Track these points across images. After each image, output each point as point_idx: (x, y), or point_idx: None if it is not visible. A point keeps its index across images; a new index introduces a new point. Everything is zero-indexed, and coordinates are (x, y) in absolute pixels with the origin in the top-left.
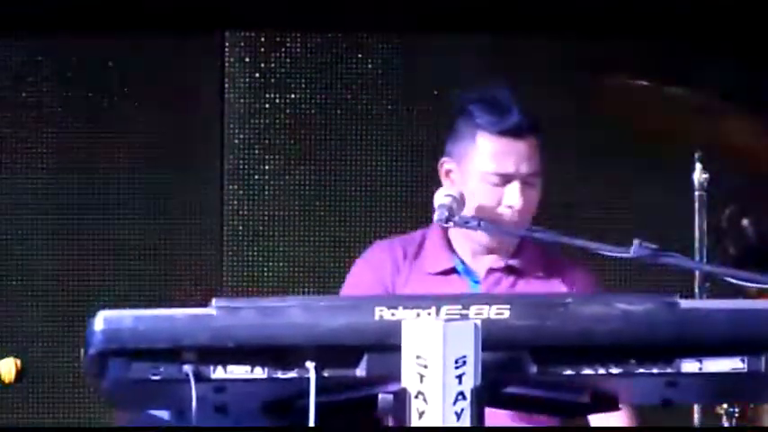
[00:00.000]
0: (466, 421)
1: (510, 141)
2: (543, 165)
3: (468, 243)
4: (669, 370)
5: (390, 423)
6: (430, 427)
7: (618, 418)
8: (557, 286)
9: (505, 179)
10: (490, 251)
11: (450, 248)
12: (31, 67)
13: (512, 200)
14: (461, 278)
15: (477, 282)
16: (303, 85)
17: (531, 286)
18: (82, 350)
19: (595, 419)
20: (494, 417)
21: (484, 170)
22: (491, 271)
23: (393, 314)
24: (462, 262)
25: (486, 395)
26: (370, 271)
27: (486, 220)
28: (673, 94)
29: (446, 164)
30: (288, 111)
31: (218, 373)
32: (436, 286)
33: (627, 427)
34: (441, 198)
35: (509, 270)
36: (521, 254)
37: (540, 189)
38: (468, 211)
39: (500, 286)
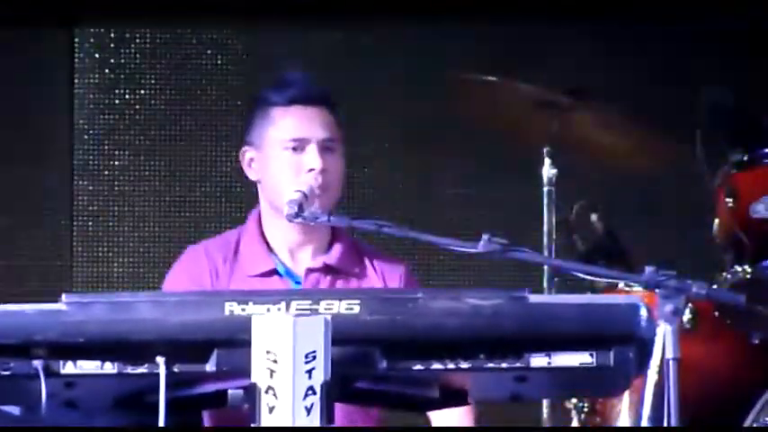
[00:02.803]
0: (316, 416)
1: (301, 108)
2: (343, 135)
3: (283, 240)
4: (518, 365)
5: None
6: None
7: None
8: (372, 282)
9: (302, 144)
10: (304, 245)
11: (267, 248)
12: None
13: (311, 162)
14: (283, 280)
15: (298, 282)
16: (153, 81)
17: (349, 284)
18: None
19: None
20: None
21: (281, 139)
22: (310, 271)
23: (243, 309)
24: (282, 263)
25: (337, 390)
26: (188, 278)
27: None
28: (521, 90)
29: (247, 152)
30: (137, 106)
31: (69, 368)
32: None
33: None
34: (290, 193)
35: (327, 269)
36: (335, 249)
37: (342, 156)
38: (272, 187)
39: (319, 286)
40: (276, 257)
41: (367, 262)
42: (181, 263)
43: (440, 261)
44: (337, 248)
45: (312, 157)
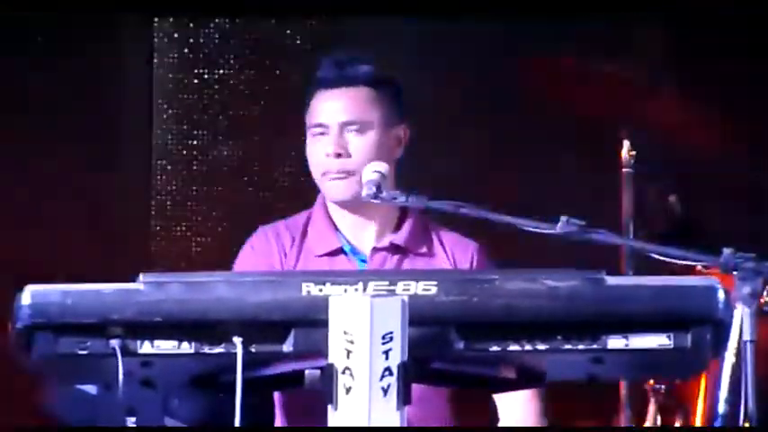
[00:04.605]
0: (392, 397)
1: (327, 92)
2: (385, 115)
3: (349, 219)
4: (595, 346)
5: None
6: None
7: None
8: (441, 262)
9: (322, 129)
10: (367, 224)
11: (334, 228)
12: None
13: (327, 147)
14: (349, 259)
15: (364, 261)
16: (231, 61)
17: (417, 263)
18: (9, 325)
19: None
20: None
21: (309, 124)
22: (376, 250)
23: (320, 290)
24: (348, 242)
25: (413, 371)
26: (258, 257)
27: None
28: (602, 72)
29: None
30: (216, 86)
31: (145, 347)
32: (325, 268)
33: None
34: (368, 174)
35: (394, 248)
36: (404, 228)
37: (375, 139)
38: (311, 170)
39: (386, 265)
40: (342, 236)
41: (436, 242)
42: (250, 243)
43: (517, 243)
44: (406, 228)
45: (327, 142)
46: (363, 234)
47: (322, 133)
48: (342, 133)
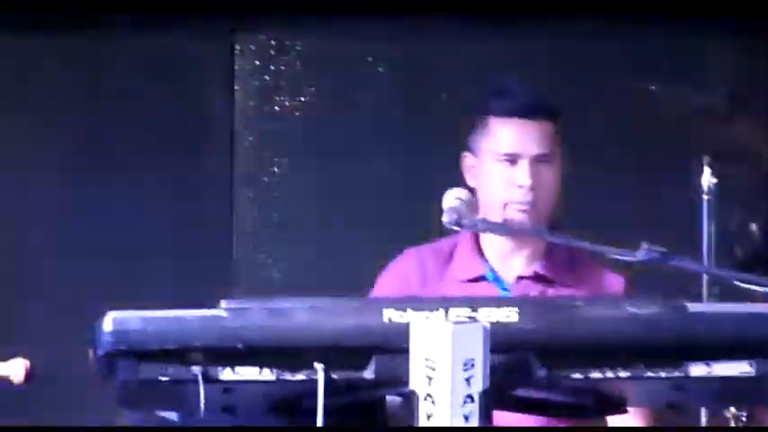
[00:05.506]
0: (474, 424)
1: (519, 121)
2: (561, 150)
3: (497, 247)
4: (677, 373)
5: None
6: (433, 427)
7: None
8: (587, 294)
9: (515, 158)
10: (517, 252)
11: (480, 254)
12: (39, 67)
13: (521, 179)
14: (491, 285)
15: (506, 289)
16: (313, 88)
17: (561, 294)
18: (90, 351)
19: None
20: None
21: (495, 151)
22: (520, 279)
23: (401, 316)
24: (492, 269)
25: (495, 398)
26: (395, 280)
27: (502, 215)
28: (683, 96)
29: (466, 158)
30: (297, 114)
31: (227, 374)
32: (466, 294)
33: (630, 428)
34: (450, 201)
35: (537, 278)
36: (549, 259)
37: (557, 173)
38: (486, 197)
39: (529, 294)
40: (487, 264)
41: (583, 273)
42: (392, 266)
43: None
44: (552, 258)
45: (522, 174)
46: (511, 262)
47: (511, 161)
48: (535, 165)
